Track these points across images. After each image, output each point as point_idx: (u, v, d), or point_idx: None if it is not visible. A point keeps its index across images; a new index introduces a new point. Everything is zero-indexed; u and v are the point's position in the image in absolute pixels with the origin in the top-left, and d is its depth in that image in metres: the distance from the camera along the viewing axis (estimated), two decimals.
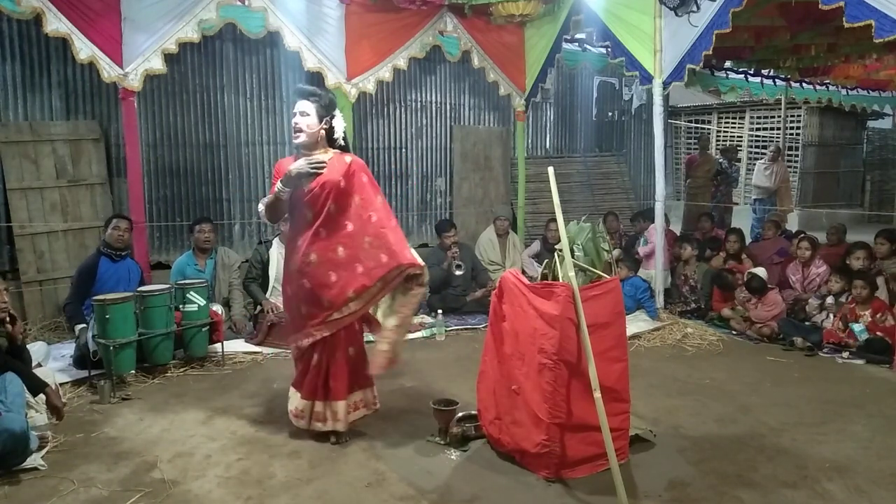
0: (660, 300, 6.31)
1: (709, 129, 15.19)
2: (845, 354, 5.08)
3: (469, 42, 7.13)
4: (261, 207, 3.49)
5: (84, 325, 4.78)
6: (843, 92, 10.80)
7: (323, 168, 3.35)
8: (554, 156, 9.70)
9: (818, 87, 10.63)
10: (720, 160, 10.29)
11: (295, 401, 3.56)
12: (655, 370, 4.76)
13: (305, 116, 3.40)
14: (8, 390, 3.34)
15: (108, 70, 5.41)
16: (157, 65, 5.58)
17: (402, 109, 8.40)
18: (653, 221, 6.63)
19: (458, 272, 6.18)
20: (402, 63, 6.74)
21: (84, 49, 5.27)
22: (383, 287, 3.40)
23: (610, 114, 10.48)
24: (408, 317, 3.51)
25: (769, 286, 5.81)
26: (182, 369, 4.74)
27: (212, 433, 3.65)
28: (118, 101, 5.95)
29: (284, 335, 3.52)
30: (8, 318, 3.70)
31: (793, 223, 10.25)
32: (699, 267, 6.41)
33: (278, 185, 3.36)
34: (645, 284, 6.25)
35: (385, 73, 6.66)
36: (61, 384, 4.20)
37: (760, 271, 5.91)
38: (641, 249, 7.07)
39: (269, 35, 6.27)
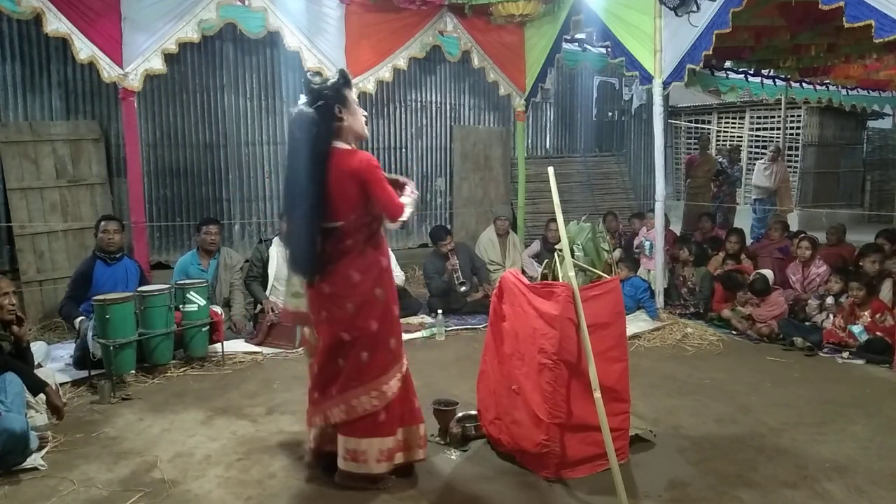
0: (660, 300, 6.31)
1: (709, 129, 15.18)
2: (845, 354, 5.07)
3: (469, 42, 7.14)
4: (410, 210, 2.89)
5: (83, 317, 4.78)
6: (843, 92, 10.80)
7: None
8: (554, 156, 9.71)
9: (818, 87, 10.63)
10: (721, 160, 10.29)
11: (387, 443, 2.95)
12: (655, 370, 4.76)
13: None
14: (8, 390, 3.34)
15: (108, 70, 5.41)
16: (157, 65, 5.58)
17: (402, 109, 8.41)
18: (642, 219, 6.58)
19: (462, 289, 6.18)
20: (402, 63, 6.74)
21: (84, 49, 5.27)
22: None
23: (610, 114, 10.49)
24: None
25: (773, 287, 5.81)
26: (182, 369, 4.73)
27: (212, 433, 3.65)
28: (118, 101, 5.96)
29: (385, 365, 2.92)
30: (15, 320, 3.71)
31: (793, 223, 10.23)
32: (698, 270, 6.41)
33: (411, 185, 3.04)
34: (645, 284, 6.24)
35: (385, 73, 6.67)
36: (61, 384, 4.19)
37: (767, 273, 5.91)
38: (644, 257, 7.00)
39: (269, 35, 6.27)
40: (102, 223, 5.06)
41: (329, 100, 2.82)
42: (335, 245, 2.84)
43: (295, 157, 2.86)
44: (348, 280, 2.84)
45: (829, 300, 5.55)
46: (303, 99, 2.86)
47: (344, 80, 2.88)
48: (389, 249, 3.04)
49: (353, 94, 2.92)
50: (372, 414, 2.88)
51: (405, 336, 5.52)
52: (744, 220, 9.88)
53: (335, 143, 2.84)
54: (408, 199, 2.92)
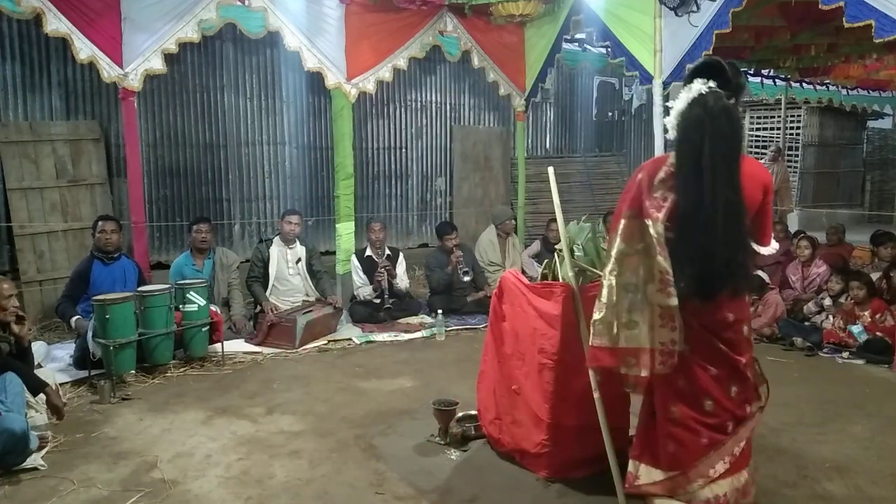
0: None
1: None
2: (845, 354, 5.08)
3: (469, 42, 7.13)
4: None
5: (79, 316, 4.77)
6: (843, 92, 10.79)
7: None
8: (554, 156, 9.71)
9: (818, 87, 10.62)
10: None
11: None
12: None
13: None
14: (8, 390, 3.34)
15: (108, 70, 5.40)
16: (157, 65, 5.57)
17: (402, 109, 8.40)
18: None
19: (465, 279, 6.18)
20: (402, 63, 6.73)
21: (84, 49, 5.26)
22: None
23: (610, 114, 10.49)
24: None
25: (770, 287, 5.80)
26: (182, 369, 4.74)
27: (212, 433, 3.65)
28: (118, 101, 5.95)
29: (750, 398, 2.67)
30: (16, 319, 3.71)
31: (793, 223, 10.24)
32: None
33: None
34: None
35: (385, 73, 6.66)
36: (61, 384, 4.20)
37: (761, 273, 5.91)
38: None
39: (269, 35, 6.26)
40: (100, 223, 5.06)
41: (739, 93, 2.54)
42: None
43: (721, 156, 2.39)
44: (745, 302, 2.59)
45: (828, 301, 5.55)
46: (698, 85, 2.47)
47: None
48: None
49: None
50: (749, 442, 2.60)
51: (405, 336, 5.63)
52: None
53: None
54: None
